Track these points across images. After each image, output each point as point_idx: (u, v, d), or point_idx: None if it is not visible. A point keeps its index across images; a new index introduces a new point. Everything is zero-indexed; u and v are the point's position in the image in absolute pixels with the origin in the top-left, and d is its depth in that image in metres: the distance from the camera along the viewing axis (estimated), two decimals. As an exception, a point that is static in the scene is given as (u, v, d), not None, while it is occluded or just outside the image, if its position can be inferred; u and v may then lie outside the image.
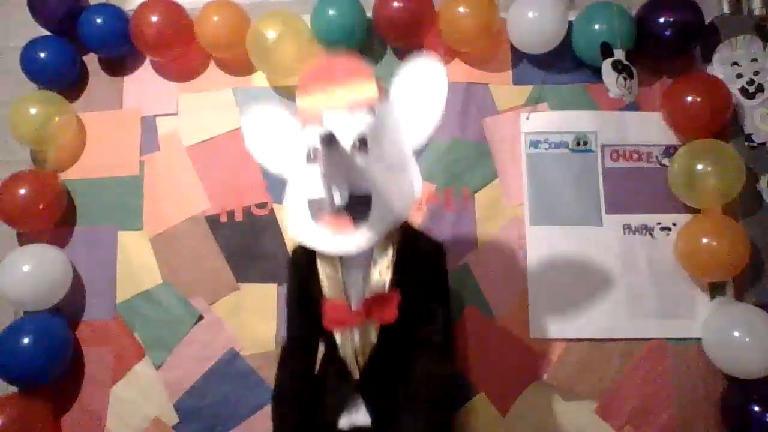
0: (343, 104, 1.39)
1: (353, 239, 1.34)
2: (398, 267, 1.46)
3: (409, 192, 1.42)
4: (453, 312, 1.78)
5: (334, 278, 1.50)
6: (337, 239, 1.35)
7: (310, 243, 1.41)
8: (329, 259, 1.50)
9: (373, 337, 1.47)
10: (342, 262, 1.49)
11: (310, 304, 1.54)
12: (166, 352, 2.20)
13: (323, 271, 1.51)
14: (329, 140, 1.22)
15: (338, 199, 1.31)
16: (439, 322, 1.51)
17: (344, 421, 1.52)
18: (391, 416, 1.47)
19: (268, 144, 1.62)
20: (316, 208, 1.37)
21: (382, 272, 1.46)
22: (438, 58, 1.50)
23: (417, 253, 1.50)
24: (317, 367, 1.63)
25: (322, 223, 1.36)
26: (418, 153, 1.52)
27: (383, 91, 1.44)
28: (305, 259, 1.55)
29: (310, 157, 1.38)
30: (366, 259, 1.46)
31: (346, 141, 1.32)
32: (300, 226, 1.43)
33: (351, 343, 1.49)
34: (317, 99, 1.41)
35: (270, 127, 1.62)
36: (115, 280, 2.26)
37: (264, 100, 2.30)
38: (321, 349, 1.64)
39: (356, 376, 1.50)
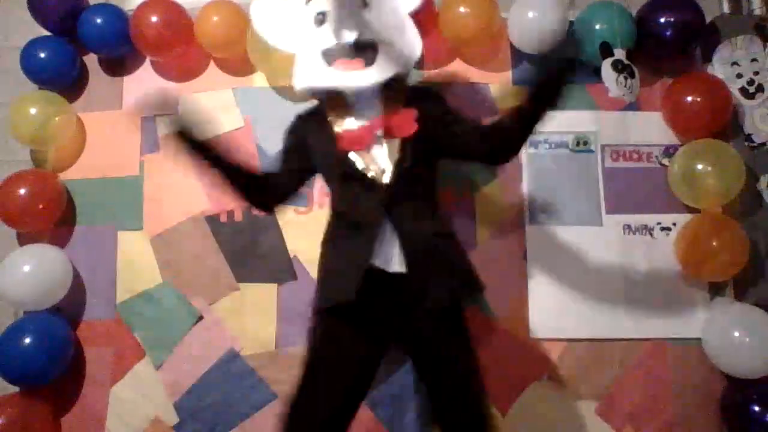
0: None
1: (365, 75, 1.54)
2: (409, 106, 1.59)
3: (409, 49, 1.65)
4: None
5: (347, 121, 1.60)
6: (352, 76, 1.55)
7: (327, 82, 1.59)
8: (340, 113, 1.61)
9: (395, 151, 1.54)
10: (353, 116, 1.60)
11: (303, 156, 1.69)
12: (166, 352, 2.20)
13: (335, 122, 1.61)
14: None
15: (349, 38, 1.53)
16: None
17: (379, 260, 1.52)
18: (422, 244, 1.53)
19: (276, 23, 1.79)
20: (328, 56, 1.57)
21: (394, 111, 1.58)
22: None
23: (423, 100, 1.63)
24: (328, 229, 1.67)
25: (336, 66, 1.56)
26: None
27: None
28: (314, 121, 1.69)
29: (320, 20, 1.60)
30: (376, 109, 1.58)
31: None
32: (314, 75, 1.62)
33: (373, 159, 1.55)
34: None
35: (277, 9, 1.79)
36: (115, 280, 2.26)
37: (264, 100, 2.31)
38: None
39: (383, 185, 1.53)
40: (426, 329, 1.54)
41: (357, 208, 1.56)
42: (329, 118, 1.62)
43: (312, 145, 1.68)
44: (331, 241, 1.63)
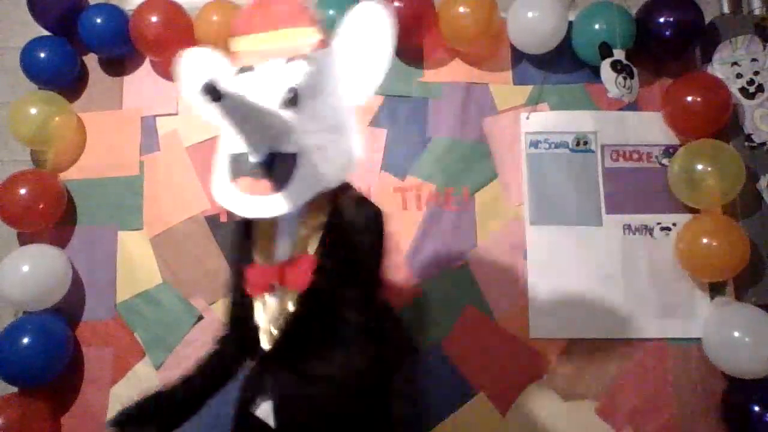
0: (278, 51, 1.24)
1: (272, 203, 1.19)
2: (329, 232, 1.31)
3: (345, 155, 1.30)
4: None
5: (266, 243, 1.37)
6: (254, 202, 1.20)
7: (227, 204, 1.25)
8: (266, 223, 1.36)
9: (290, 305, 1.29)
10: (276, 226, 1.36)
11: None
12: (166, 352, 2.20)
13: (257, 236, 1.39)
14: (210, 91, 1.04)
15: (253, 156, 1.16)
16: (356, 299, 1.33)
17: (254, 407, 1.41)
18: (296, 403, 1.34)
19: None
20: (235, 165, 1.21)
21: (308, 236, 1.31)
22: (383, 4, 1.31)
23: (352, 220, 1.33)
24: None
25: (238, 184, 1.20)
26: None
27: (325, 39, 1.28)
28: (244, 225, 1.43)
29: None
30: (296, 225, 1.33)
31: (276, 93, 1.20)
32: (220, 185, 1.27)
33: (266, 310, 1.34)
34: (253, 42, 1.27)
35: (205, 74, 1.34)
36: (115, 280, 2.26)
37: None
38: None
39: (265, 346, 1.33)
40: None
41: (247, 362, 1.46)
42: (254, 232, 1.40)
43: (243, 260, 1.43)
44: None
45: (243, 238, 1.42)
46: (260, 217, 1.28)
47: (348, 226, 1.32)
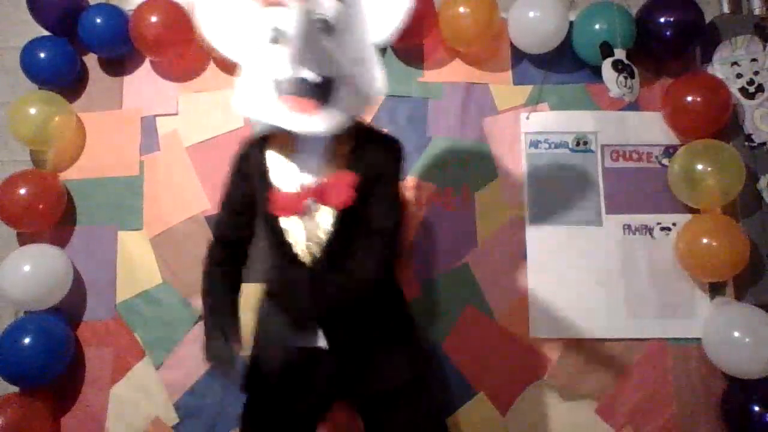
0: None
1: (314, 119, 1.33)
2: (354, 159, 1.44)
3: (370, 87, 1.43)
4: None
5: (286, 167, 1.46)
6: (297, 117, 1.33)
7: (270, 119, 1.37)
8: (282, 151, 1.48)
9: (329, 223, 1.40)
10: (295, 155, 1.46)
11: (249, 206, 1.52)
12: (166, 352, 2.20)
13: (274, 162, 1.48)
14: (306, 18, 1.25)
15: (305, 74, 1.30)
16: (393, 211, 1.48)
17: (298, 341, 1.48)
18: (346, 329, 1.46)
19: (222, 26, 1.54)
20: (280, 87, 1.33)
21: (337, 162, 1.43)
22: None
23: (374, 148, 1.47)
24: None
25: (285, 103, 1.33)
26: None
27: None
28: (256, 152, 1.52)
29: (275, 39, 1.33)
30: (320, 152, 1.44)
31: (311, 23, 1.29)
32: (258, 105, 1.38)
33: (301, 228, 1.43)
34: None
35: (225, 8, 1.52)
36: (115, 280, 2.26)
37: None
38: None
39: (307, 262, 1.43)
40: (376, 404, 1.53)
41: (282, 288, 1.52)
42: (268, 165, 1.48)
43: (251, 192, 1.53)
44: (261, 318, 1.62)
45: (262, 164, 1.49)
46: (299, 131, 1.36)
47: (371, 155, 1.45)
